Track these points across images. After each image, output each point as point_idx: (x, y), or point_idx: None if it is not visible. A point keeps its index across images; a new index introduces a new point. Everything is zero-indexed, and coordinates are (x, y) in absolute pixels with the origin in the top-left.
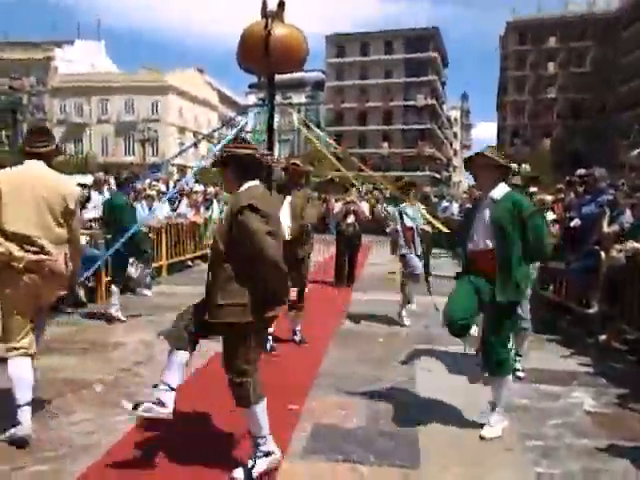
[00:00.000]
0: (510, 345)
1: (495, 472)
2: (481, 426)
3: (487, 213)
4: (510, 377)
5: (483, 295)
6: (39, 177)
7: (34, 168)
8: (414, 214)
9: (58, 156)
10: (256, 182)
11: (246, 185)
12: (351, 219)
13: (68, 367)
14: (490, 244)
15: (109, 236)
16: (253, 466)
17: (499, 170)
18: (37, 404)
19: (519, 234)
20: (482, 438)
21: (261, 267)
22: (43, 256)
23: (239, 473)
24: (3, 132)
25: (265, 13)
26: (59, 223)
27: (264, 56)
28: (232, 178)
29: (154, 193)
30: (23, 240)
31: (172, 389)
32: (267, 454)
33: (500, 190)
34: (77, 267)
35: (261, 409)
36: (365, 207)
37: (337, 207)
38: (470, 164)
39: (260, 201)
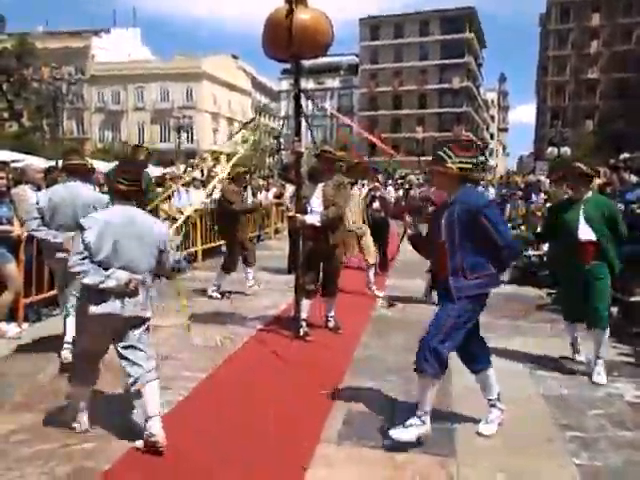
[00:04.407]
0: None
1: (534, 462)
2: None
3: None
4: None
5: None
6: None
7: None
8: None
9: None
10: None
11: None
12: (376, 205)
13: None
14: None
15: None
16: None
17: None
18: None
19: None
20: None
21: None
22: None
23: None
24: (45, 121)
25: None
26: None
27: (287, 41)
28: None
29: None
30: None
31: None
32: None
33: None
34: None
35: None
36: (391, 193)
37: (362, 193)
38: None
39: None
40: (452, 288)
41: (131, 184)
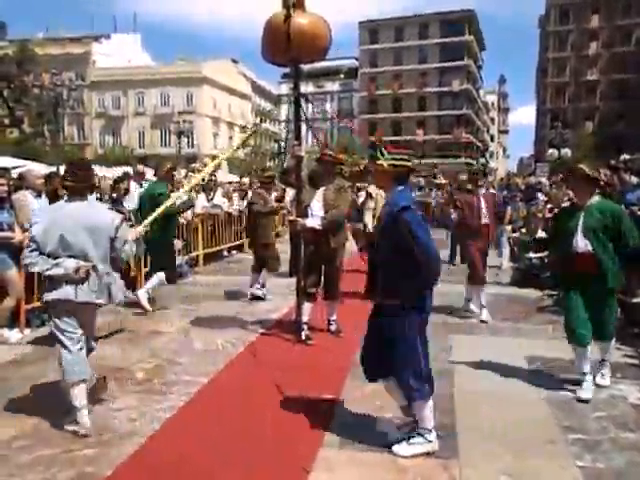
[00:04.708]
0: None
1: (536, 465)
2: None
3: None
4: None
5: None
6: None
7: None
8: None
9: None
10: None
11: None
12: None
13: (110, 356)
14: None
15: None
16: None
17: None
18: None
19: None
20: None
21: None
22: None
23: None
24: (45, 126)
25: (286, 3)
26: None
27: (286, 46)
28: None
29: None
30: None
31: None
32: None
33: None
34: None
35: None
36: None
37: (362, 197)
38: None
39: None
40: (378, 297)
41: (77, 181)
